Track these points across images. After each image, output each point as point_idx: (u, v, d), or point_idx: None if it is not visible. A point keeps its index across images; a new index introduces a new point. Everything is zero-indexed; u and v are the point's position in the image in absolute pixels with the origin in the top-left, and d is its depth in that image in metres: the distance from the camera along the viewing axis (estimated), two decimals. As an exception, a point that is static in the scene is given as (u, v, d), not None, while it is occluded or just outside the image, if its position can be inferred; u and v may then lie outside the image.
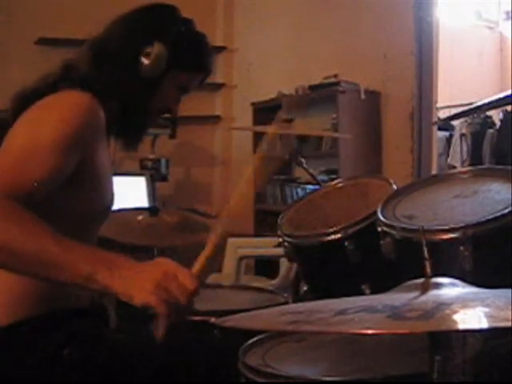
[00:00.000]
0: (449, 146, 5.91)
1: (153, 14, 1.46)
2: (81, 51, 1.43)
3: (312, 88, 4.48)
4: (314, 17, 4.73)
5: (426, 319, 0.74)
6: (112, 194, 1.45)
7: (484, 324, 0.71)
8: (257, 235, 4.64)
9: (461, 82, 6.58)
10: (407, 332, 0.75)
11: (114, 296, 1.03)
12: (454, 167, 5.46)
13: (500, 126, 5.59)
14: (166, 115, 1.52)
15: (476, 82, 6.79)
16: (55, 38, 4.47)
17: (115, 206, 1.47)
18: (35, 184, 1.16)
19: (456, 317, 0.74)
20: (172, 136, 5.48)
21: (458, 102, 4.96)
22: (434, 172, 4.11)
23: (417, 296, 0.87)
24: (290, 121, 4.93)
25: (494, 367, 1.11)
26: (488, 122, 5.65)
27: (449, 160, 5.88)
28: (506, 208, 1.30)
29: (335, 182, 2.01)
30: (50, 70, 1.40)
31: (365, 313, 0.79)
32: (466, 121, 5.67)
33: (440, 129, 5.50)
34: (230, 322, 0.89)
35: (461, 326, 0.73)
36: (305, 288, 1.94)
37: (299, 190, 4.62)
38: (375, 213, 1.50)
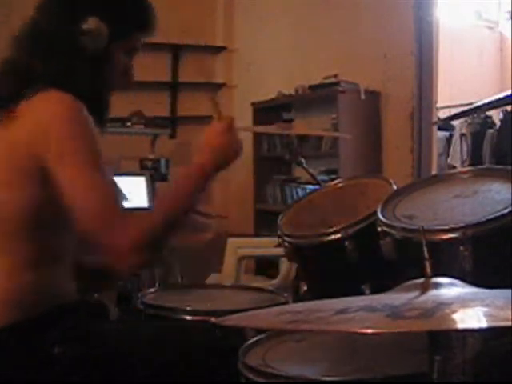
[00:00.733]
0: (449, 146, 5.91)
1: None
2: (17, 41, 1.38)
3: (312, 88, 4.48)
4: (314, 17, 4.73)
5: (426, 318, 0.74)
6: None
7: (483, 324, 0.71)
8: (257, 235, 4.64)
9: (461, 82, 6.58)
10: (407, 331, 0.75)
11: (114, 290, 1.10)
12: (454, 167, 5.46)
13: (500, 126, 5.58)
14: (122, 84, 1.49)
15: (476, 82, 6.79)
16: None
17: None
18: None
19: (456, 316, 0.74)
20: (172, 136, 5.49)
21: (458, 102, 4.95)
22: (434, 172, 4.11)
23: (417, 296, 0.87)
24: (290, 121, 4.94)
25: (494, 367, 1.11)
26: (488, 122, 5.65)
27: (449, 160, 5.87)
28: (506, 208, 1.30)
29: (335, 182, 2.01)
30: None
31: (364, 312, 0.79)
32: (466, 121, 5.66)
33: (440, 129, 5.49)
34: (230, 321, 0.90)
35: (460, 326, 0.73)
36: (305, 288, 1.94)
37: (299, 190, 4.62)
38: (375, 213, 1.50)
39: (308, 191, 3.58)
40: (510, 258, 1.27)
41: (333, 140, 4.40)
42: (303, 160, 2.50)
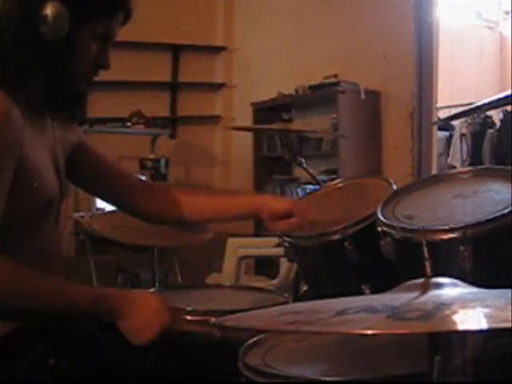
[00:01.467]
0: (449, 146, 5.91)
1: None
2: None
3: (312, 88, 4.49)
4: (314, 17, 4.73)
5: (426, 320, 0.74)
6: (57, 183, 1.34)
7: (484, 324, 0.71)
8: (257, 235, 4.64)
9: (461, 82, 6.59)
10: (407, 332, 0.75)
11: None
12: (454, 167, 5.46)
13: (500, 126, 5.59)
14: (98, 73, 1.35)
15: (476, 81, 6.80)
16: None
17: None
18: None
19: (456, 317, 0.74)
20: (172, 136, 5.50)
21: (458, 102, 4.96)
22: (434, 172, 4.11)
23: (417, 296, 0.87)
24: (289, 121, 4.94)
25: (494, 367, 1.11)
26: (488, 122, 5.66)
27: (449, 160, 5.88)
28: (505, 208, 1.30)
29: (335, 181, 2.01)
30: None
31: (365, 313, 0.79)
32: (466, 121, 5.67)
33: (440, 129, 5.50)
34: (230, 321, 0.89)
35: (460, 327, 0.73)
36: (305, 288, 1.94)
37: (299, 190, 4.62)
38: (375, 213, 1.50)
39: (308, 191, 3.59)
40: (510, 258, 1.27)
41: (333, 140, 4.40)
42: (303, 160, 2.50)
